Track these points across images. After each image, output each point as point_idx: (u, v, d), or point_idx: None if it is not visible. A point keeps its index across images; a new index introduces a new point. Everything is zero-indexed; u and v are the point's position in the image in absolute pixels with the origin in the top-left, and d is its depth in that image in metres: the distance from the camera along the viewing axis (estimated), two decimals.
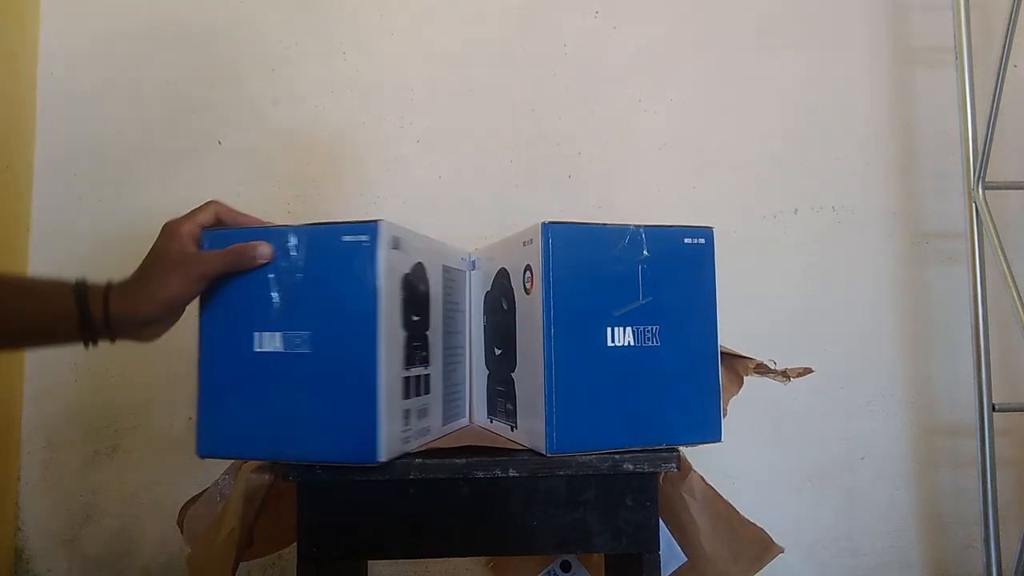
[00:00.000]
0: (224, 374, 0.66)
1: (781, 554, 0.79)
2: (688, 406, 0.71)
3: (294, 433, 0.65)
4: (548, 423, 0.66)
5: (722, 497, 0.79)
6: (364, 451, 0.63)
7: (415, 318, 0.70)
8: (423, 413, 0.71)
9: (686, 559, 0.80)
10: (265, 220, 0.70)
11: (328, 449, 0.64)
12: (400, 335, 0.67)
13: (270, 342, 0.65)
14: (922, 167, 1.30)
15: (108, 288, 0.64)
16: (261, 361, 0.65)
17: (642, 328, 0.69)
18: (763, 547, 0.78)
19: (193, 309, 0.67)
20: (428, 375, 0.72)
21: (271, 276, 0.65)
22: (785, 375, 0.79)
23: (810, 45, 1.30)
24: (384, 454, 0.63)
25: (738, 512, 0.79)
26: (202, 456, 0.67)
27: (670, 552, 0.72)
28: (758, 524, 0.79)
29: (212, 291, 0.66)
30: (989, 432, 1.10)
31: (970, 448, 1.17)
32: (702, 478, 0.79)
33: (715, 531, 0.79)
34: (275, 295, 0.65)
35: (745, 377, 0.79)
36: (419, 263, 0.71)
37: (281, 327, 0.65)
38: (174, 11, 1.23)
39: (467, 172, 1.24)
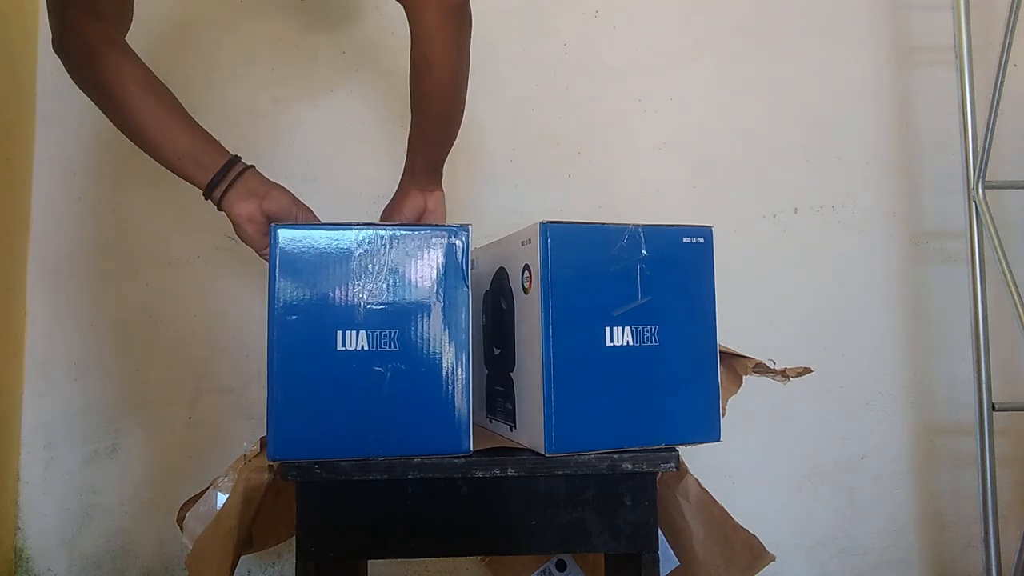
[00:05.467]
0: (304, 374, 0.65)
1: (774, 561, 0.78)
2: (687, 405, 0.71)
3: (380, 430, 0.65)
4: (547, 423, 0.66)
5: (716, 502, 0.79)
6: (456, 443, 0.67)
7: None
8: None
9: (678, 563, 0.80)
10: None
11: (417, 443, 0.66)
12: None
13: (354, 340, 0.65)
14: (922, 167, 1.30)
15: (231, 184, 0.81)
16: (345, 360, 0.65)
17: (641, 328, 0.69)
18: (755, 555, 0.78)
19: (261, 307, 0.66)
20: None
21: (358, 271, 0.66)
22: (784, 374, 0.79)
23: (810, 45, 1.30)
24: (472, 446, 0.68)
25: (732, 518, 0.79)
26: (273, 459, 0.65)
27: (662, 555, 0.72)
28: (752, 531, 0.78)
29: (293, 288, 0.65)
30: (989, 432, 1.10)
31: (970, 448, 1.17)
32: (697, 481, 0.79)
33: (708, 536, 0.78)
34: (364, 292, 0.66)
35: (744, 376, 0.79)
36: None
37: (367, 325, 0.66)
38: (174, 11, 1.23)
39: (467, 172, 1.24)
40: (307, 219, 0.82)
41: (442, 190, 0.94)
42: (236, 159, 0.84)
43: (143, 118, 0.81)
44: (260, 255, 0.81)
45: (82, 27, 0.81)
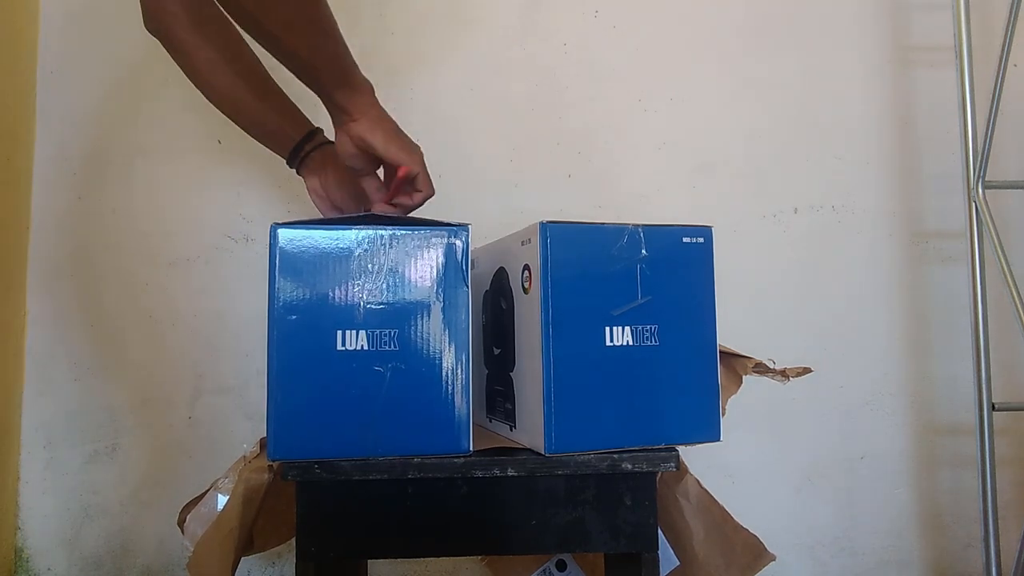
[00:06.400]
0: (304, 374, 0.65)
1: (774, 560, 0.78)
2: (687, 405, 0.71)
3: (380, 429, 0.65)
4: (547, 423, 0.66)
5: (717, 501, 0.79)
6: (456, 443, 0.67)
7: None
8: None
9: (678, 563, 0.80)
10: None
11: (417, 443, 0.66)
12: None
13: (354, 340, 0.65)
14: (922, 167, 1.30)
15: (305, 157, 0.91)
16: (345, 360, 0.65)
17: (641, 327, 0.69)
18: (755, 555, 0.78)
19: (261, 307, 0.66)
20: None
21: (358, 271, 0.66)
22: (784, 374, 0.79)
23: (810, 44, 1.30)
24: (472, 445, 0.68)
25: (732, 517, 0.79)
26: (273, 459, 0.65)
27: (662, 555, 0.72)
28: (752, 531, 0.78)
29: (293, 288, 0.65)
30: (989, 431, 1.10)
31: (970, 447, 1.17)
32: (698, 481, 0.79)
33: (708, 536, 0.78)
34: (364, 292, 0.66)
35: (744, 376, 0.79)
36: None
37: (367, 325, 0.65)
38: None
39: (467, 172, 1.24)
40: (364, 192, 0.88)
41: (365, 111, 0.84)
42: (311, 134, 0.93)
43: (233, 100, 0.90)
44: None
45: (156, 4, 0.83)
